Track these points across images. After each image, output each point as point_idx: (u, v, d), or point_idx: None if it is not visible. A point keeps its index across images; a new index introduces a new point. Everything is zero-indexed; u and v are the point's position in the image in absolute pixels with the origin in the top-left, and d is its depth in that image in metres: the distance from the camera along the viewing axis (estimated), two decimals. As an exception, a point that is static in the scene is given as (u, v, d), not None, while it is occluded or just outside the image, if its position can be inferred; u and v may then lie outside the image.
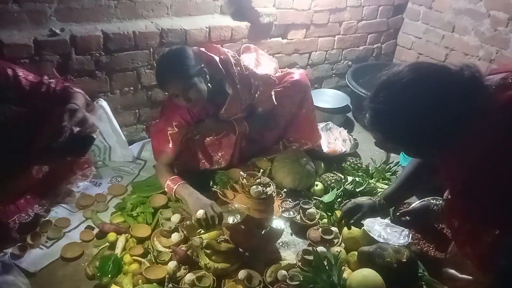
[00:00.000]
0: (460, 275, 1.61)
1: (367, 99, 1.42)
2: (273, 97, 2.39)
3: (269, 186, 1.89)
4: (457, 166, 1.37)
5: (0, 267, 1.82)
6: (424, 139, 1.34)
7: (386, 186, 2.42)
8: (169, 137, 2.19)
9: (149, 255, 1.93)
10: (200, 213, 1.82)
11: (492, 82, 1.29)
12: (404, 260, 1.81)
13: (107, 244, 1.98)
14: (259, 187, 1.84)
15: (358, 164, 2.64)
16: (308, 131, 2.62)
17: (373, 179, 2.50)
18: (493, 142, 1.25)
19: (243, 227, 1.82)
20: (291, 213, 2.04)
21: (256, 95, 2.32)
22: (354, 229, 2.01)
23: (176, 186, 2.07)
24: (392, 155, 2.90)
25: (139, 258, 1.89)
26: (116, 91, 2.54)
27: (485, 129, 1.25)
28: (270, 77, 2.32)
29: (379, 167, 2.59)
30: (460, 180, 1.38)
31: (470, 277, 1.55)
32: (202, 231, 1.90)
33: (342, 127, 2.97)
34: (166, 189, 2.14)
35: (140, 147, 2.66)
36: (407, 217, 2.02)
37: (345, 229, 2.05)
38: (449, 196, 1.53)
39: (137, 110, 2.71)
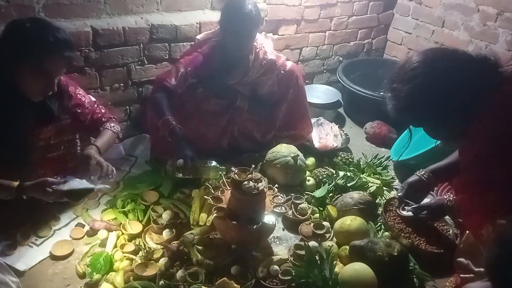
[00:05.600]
0: (475, 268, 1.62)
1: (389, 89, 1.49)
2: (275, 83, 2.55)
3: (261, 181, 1.89)
4: (470, 141, 1.43)
5: (-11, 266, 1.81)
6: (442, 118, 1.43)
7: (377, 181, 2.43)
8: (178, 75, 2.31)
9: (140, 252, 1.92)
10: (180, 162, 2.06)
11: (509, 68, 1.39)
12: (395, 254, 1.83)
13: (98, 241, 1.96)
14: (251, 182, 1.84)
15: (349, 159, 2.65)
16: (301, 121, 2.68)
17: (364, 174, 2.51)
18: (504, 120, 1.33)
19: (234, 222, 1.82)
20: (283, 208, 2.04)
21: (262, 74, 2.48)
22: (345, 223, 2.02)
23: (167, 131, 2.16)
24: (382, 149, 2.91)
25: (131, 255, 1.88)
26: (106, 88, 2.53)
27: (496, 109, 1.34)
28: (276, 63, 2.50)
29: (370, 161, 2.61)
30: (472, 155, 1.43)
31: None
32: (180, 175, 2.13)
33: (333, 123, 2.97)
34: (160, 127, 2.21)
35: (131, 144, 2.64)
36: (424, 211, 2.00)
37: (337, 223, 2.06)
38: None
39: (127, 107, 2.70)
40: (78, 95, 2.02)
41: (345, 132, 2.94)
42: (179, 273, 1.77)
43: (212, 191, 1.96)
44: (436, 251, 1.97)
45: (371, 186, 2.38)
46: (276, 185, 2.11)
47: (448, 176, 1.95)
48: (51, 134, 1.93)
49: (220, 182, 2.06)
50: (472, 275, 1.62)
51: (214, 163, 2.18)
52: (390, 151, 2.78)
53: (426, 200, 2.06)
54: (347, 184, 2.36)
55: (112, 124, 2.13)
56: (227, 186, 1.98)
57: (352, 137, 2.94)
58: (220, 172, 2.14)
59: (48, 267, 1.87)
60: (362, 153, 2.80)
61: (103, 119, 2.13)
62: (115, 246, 1.94)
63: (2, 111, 1.72)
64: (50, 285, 1.79)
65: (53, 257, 1.90)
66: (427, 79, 1.37)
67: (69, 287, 1.78)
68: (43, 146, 1.93)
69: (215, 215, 1.87)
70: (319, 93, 3.34)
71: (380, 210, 2.23)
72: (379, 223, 2.17)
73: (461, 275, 1.69)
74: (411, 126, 1.65)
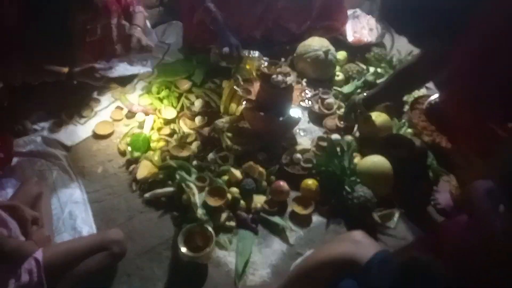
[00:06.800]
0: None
1: None
2: None
3: (289, 75, 1.92)
4: (457, 53, 1.41)
5: (40, 140, 2.02)
6: (429, 27, 1.41)
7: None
8: None
9: (175, 135, 2.07)
10: (225, 50, 2.16)
11: None
12: (415, 150, 1.90)
13: (136, 123, 2.12)
14: (280, 76, 1.88)
15: (383, 55, 2.59)
16: (337, 11, 2.59)
17: (396, 71, 2.47)
18: (490, 30, 1.30)
19: (262, 114, 1.91)
20: (310, 102, 2.10)
21: None
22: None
23: (209, 18, 2.20)
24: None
25: (166, 137, 2.04)
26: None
27: (484, 18, 1.30)
28: None
29: (403, 58, 2.54)
30: (459, 66, 1.43)
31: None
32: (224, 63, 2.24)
33: (370, 15, 2.84)
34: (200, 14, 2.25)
35: (163, 31, 2.65)
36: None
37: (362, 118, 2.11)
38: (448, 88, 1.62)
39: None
40: None
41: (382, 26, 2.82)
42: (210, 156, 1.93)
43: (242, 83, 2.02)
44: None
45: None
46: (305, 79, 2.14)
47: (379, 102, 2.05)
48: (86, 19, 1.98)
49: (250, 73, 2.11)
50: None
51: (257, 53, 2.21)
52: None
53: None
54: (377, 81, 2.35)
55: (140, 8, 2.18)
56: (257, 78, 2.03)
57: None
58: (262, 62, 2.17)
59: (92, 144, 2.07)
60: (397, 49, 2.71)
61: (134, 2, 2.16)
62: (152, 128, 2.10)
63: None
64: (94, 160, 2.00)
65: (96, 136, 2.10)
66: None
67: (112, 162, 1.99)
68: (80, 31, 1.98)
69: (244, 105, 1.95)
70: (358, -18, 3.13)
71: (406, 107, 2.25)
72: (404, 120, 2.21)
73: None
74: None
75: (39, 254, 1.42)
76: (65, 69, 1.86)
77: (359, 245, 1.21)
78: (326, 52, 2.37)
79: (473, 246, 1.21)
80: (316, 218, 1.82)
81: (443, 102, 1.79)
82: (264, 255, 1.68)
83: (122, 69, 1.89)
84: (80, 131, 2.11)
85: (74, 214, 1.76)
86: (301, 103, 2.04)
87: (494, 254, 1.14)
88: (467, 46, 1.39)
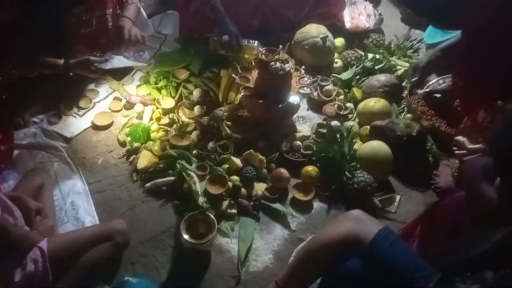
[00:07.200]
0: (469, 146, 1.71)
1: None
2: None
3: (288, 62, 1.92)
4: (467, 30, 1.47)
5: (40, 132, 2.02)
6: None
7: (406, 64, 2.39)
8: None
9: (174, 124, 2.07)
10: (225, 38, 2.09)
11: None
12: (414, 134, 1.90)
13: (135, 114, 2.12)
14: (278, 63, 1.87)
15: (381, 41, 2.58)
16: None
17: (394, 57, 2.46)
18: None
19: (260, 101, 1.91)
20: (309, 89, 2.10)
21: None
22: (369, 105, 2.07)
23: (208, 6, 2.17)
24: (417, 31, 2.79)
25: (166, 127, 2.04)
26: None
27: None
28: None
29: (401, 44, 2.54)
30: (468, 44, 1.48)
31: (477, 146, 1.63)
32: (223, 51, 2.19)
33: (367, 1, 2.82)
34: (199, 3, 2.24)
35: (160, 21, 2.63)
36: (437, 94, 2.08)
37: (360, 104, 2.12)
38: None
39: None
40: None
41: (379, 12, 2.80)
42: (210, 144, 1.94)
43: (240, 71, 2.01)
44: (454, 132, 2.03)
45: (399, 69, 2.37)
46: (303, 67, 2.14)
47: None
48: (82, 10, 1.97)
49: (248, 62, 2.10)
50: (465, 151, 1.71)
51: (256, 42, 2.19)
52: (424, 34, 2.67)
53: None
54: (375, 67, 2.35)
55: None
56: (255, 66, 2.02)
57: (386, 18, 2.81)
58: (260, 51, 2.15)
59: (92, 135, 2.07)
60: (395, 35, 2.71)
61: None
62: (151, 118, 2.10)
63: None
64: (95, 151, 2.01)
65: (95, 127, 2.10)
66: None
67: (113, 153, 2.00)
68: (75, 22, 1.98)
69: (242, 94, 1.95)
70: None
71: (405, 92, 2.26)
72: (403, 105, 2.21)
73: (456, 152, 1.78)
74: None
75: (44, 244, 1.43)
76: (61, 61, 1.86)
77: (361, 223, 1.22)
78: (324, 39, 2.36)
79: (467, 221, 1.22)
80: (317, 204, 1.83)
81: (454, 82, 1.81)
82: (266, 241, 1.70)
83: (116, 61, 1.89)
84: (79, 123, 2.11)
85: (76, 205, 1.77)
86: (300, 90, 2.04)
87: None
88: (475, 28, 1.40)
